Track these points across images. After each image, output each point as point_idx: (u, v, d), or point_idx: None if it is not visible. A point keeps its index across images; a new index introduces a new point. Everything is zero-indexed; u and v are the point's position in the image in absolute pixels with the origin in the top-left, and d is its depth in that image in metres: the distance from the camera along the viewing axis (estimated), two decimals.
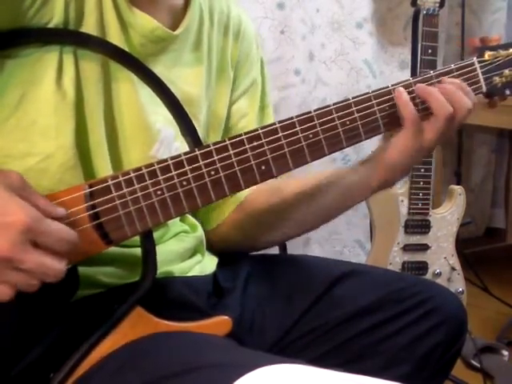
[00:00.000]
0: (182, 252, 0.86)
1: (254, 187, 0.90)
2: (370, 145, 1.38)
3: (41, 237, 0.57)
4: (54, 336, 0.65)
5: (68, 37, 0.70)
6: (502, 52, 0.81)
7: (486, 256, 2.42)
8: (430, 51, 1.57)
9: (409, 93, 0.78)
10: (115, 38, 0.73)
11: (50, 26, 0.68)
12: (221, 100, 0.90)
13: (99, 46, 0.72)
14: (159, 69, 0.77)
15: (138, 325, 0.68)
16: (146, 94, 0.77)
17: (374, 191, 0.85)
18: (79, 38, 0.70)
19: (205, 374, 0.60)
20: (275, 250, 1.43)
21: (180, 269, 0.84)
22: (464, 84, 0.79)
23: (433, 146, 0.80)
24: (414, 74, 1.74)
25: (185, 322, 0.71)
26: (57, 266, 0.58)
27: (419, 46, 1.61)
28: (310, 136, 0.72)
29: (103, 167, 0.73)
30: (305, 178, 0.90)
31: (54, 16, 0.68)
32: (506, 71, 0.82)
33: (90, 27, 0.71)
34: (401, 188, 1.67)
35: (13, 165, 0.67)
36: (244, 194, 0.92)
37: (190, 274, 0.85)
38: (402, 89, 0.78)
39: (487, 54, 0.82)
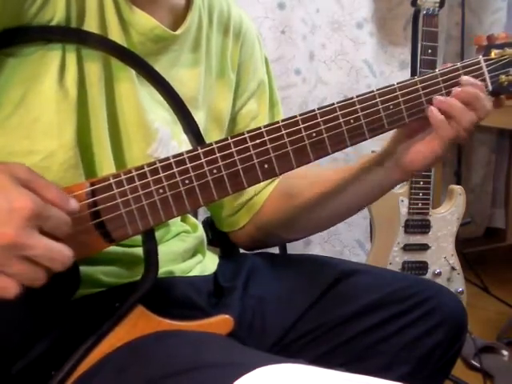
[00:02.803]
0: (183, 252, 0.86)
1: (268, 194, 0.93)
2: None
3: (47, 222, 0.56)
4: (55, 334, 0.65)
5: (69, 34, 0.69)
6: (509, 50, 0.80)
7: (486, 256, 2.42)
8: (429, 51, 1.57)
9: (413, 91, 0.77)
10: (116, 36, 0.73)
11: (52, 24, 0.68)
12: (222, 100, 0.89)
13: (100, 43, 0.71)
14: (158, 69, 0.77)
15: (139, 323, 0.68)
16: (145, 93, 0.77)
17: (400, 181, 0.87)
18: (80, 35, 0.70)
19: (206, 373, 0.60)
20: (275, 250, 1.44)
21: (181, 269, 0.84)
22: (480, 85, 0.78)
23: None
24: (414, 73, 1.74)
25: (187, 321, 0.71)
26: (65, 252, 0.57)
27: (419, 45, 1.61)
28: (314, 135, 0.71)
29: (106, 166, 0.73)
30: (318, 180, 0.90)
31: (56, 14, 0.68)
32: None
33: (91, 26, 0.71)
34: (401, 188, 1.67)
35: None
36: (258, 204, 0.93)
37: (190, 274, 0.85)
38: (435, 110, 0.76)
39: (493, 52, 0.80)
